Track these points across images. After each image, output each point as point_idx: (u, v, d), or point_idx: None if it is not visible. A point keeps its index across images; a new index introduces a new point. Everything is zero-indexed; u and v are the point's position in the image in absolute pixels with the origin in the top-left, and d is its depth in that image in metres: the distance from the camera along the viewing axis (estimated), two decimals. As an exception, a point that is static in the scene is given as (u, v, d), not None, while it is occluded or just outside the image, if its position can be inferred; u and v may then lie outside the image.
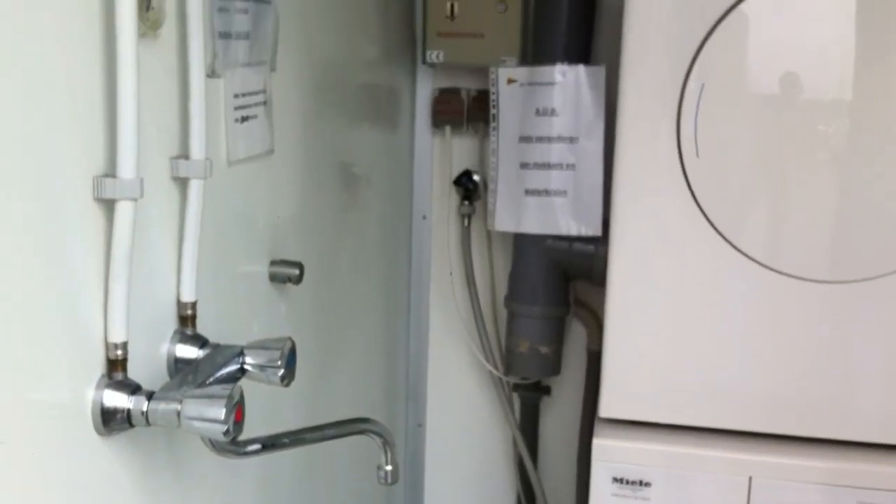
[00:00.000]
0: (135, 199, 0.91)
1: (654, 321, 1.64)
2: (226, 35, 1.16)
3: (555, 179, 1.92)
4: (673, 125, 1.54)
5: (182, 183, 1.07)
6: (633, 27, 1.53)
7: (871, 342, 1.58)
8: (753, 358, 1.61)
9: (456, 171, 2.17)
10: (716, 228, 1.57)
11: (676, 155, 1.55)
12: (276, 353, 1.06)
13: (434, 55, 2.04)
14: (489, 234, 2.19)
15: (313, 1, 1.52)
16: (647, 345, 1.65)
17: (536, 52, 1.98)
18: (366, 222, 1.93)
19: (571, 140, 1.91)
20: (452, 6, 2.02)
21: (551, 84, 1.91)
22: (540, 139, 1.92)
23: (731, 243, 1.57)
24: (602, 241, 1.85)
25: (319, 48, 1.57)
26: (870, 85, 1.51)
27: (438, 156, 2.20)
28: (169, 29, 1.02)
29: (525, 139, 1.93)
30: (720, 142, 1.54)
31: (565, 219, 1.93)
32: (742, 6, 1.48)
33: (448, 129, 2.16)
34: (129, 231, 0.91)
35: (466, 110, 2.15)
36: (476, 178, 2.18)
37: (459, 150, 2.17)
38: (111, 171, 0.91)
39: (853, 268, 1.56)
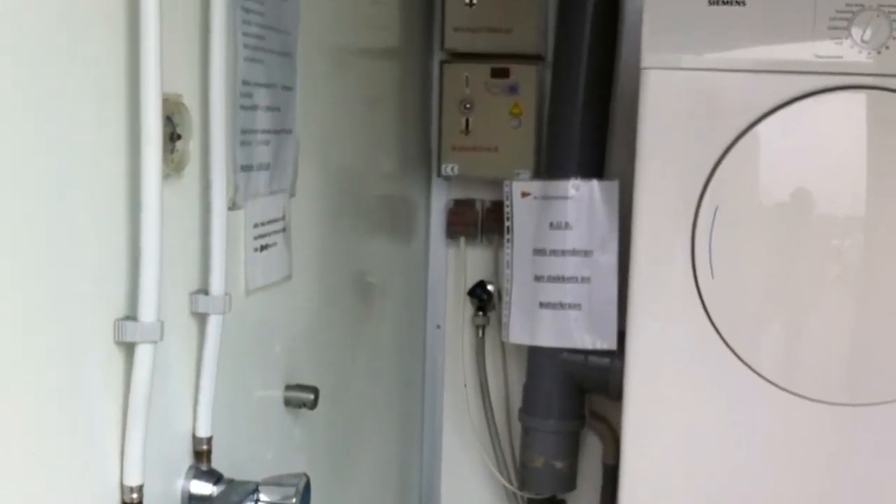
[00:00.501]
0: (155, 342, 0.91)
1: (671, 438, 1.62)
2: (247, 168, 1.18)
3: (569, 292, 1.93)
4: (687, 246, 1.55)
5: (201, 318, 1.07)
6: (646, 150, 1.55)
7: (890, 465, 1.55)
8: (770, 479, 1.59)
9: (470, 282, 2.18)
10: (731, 349, 1.56)
11: (691, 275, 1.56)
12: (291, 490, 1.05)
13: (449, 168, 2.07)
14: (503, 346, 2.18)
15: (333, 120, 1.56)
16: (664, 462, 1.63)
17: (550, 165, 2.01)
18: (381, 332, 1.93)
19: (586, 253, 1.92)
20: (467, 121, 2.05)
21: (565, 198, 1.92)
22: (554, 252, 1.93)
23: (747, 364, 1.56)
24: (618, 354, 1.84)
25: (338, 162, 1.60)
26: (883, 200, 1.52)
27: (453, 266, 2.21)
28: (192, 167, 1.04)
29: (539, 252, 1.94)
30: (735, 263, 1.55)
31: (580, 332, 1.92)
32: (756, 128, 1.51)
33: (462, 239, 2.17)
34: (149, 374, 0.91)
35: (481, 221, 2.16)
36: (490, 288, 2.19)
37: (474, 261, 2.18)
38: (132, 313, 0.92)
39: (871, 390, 1.55)
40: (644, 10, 1.51)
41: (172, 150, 0.98)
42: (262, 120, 1.22)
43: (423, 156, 2.14)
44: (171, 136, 0.97)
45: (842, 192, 1.55)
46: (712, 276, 1.55)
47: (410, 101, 2.04)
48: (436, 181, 2.17)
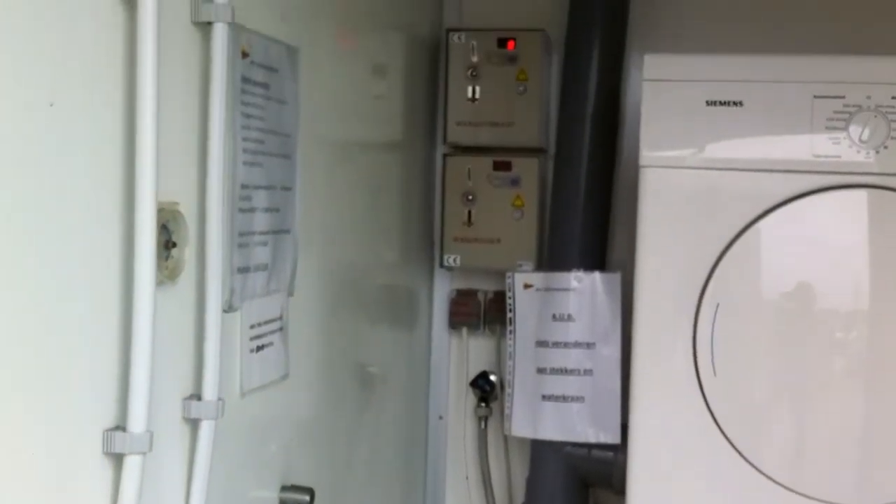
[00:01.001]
0: (144, 454, 0.90)
1: (676, 537, 1.59)
2: (244, 269, 1.18)
3: (572, 385, 1.91)
4: (689, 343, 1.54)
5: (194, 423, 1.06)
6: (645, 246, 1.55)
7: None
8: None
9: (473, 372, 2.15)
10: (735, 447, 1.54)
11: (693, 372, 1.54)
12: None
13: (451, 259, 2.07)
14: (506, 438, 2.14)
15: (334, 213, 1.56)
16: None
17: (552, 257, 2.00)
18: (381, 424, 1.91)
19: (588, 346, 1.91)
20: (469, 212, 2.05)
21: (567, 290, 1.92)
22: (557, 344, 1.92)
23: (751, 463, 1.54)
24: (621, 448, 1.81)
25: (339, 255, 1.60)
26: (887, 293, 1.51)
27: (455, 356, 2.19)
28: (188, 272, 1.04)
29: (542, 344, 1.93)
30: (737, 360, 1.53)
31: (583, 425, 1.90)
32: (756, 226, 1.51)
33: (465, 330, 2.16)
34: (137, 485, 0.90)
35: (483, 312, 2.15)
36: (493, 378, 2.16)
37: (476, 351, 2.16)
38: (122, 423, 0.91)
39: (882, 491, 1.51)
40: (642, 110, 1.52)
41: (167, 258, 0.98)
42: (261, 221, 1.22)
43: (426, 246, 2.14)
44: (167, 244, 0.97)
45: (844, 287, 1.54)
46: (714, 374, 1.53)
47: (413, 193, 2.05)
48: (438, 271, 2.16)
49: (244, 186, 1.17)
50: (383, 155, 1.89)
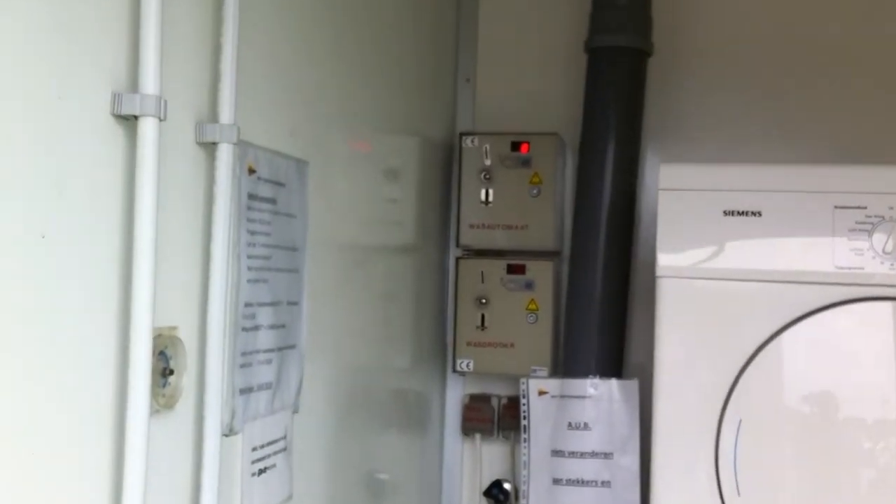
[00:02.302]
0: None
1: None
2: (247, 390, 1.14)
3: (589, 497, 1.84)
4: (711, 461, 1.47)
5: (188, 560, 1.01)
6: (664, 359, 1.50)
7: None
8: None
9: (486, 480, 2.09)
10: (763, 573, 1.46)
11: (717, 491, 1.48)
12: None
13: (464, 364, 2.02)
14: (521, 552, 2.06)
15: (344, 319, 1.53)
16: None
17: (567, 362, 1.96)
18: (392, 536, 1.84)
19: (606, 456, 1.85)
20: (483, 316, 2.02)
21: (583, 397, 1.87)
22: (573, 454, 1.86)
23: (780, 590, 1.46)
24: (642, 567, 1.73)
25: (349, 361, 1.56)
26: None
27: (468, 463, 2.13)
28: (186, 398, 1.00)
29: (558, 453, 1.87)
30: (762, 478, 1.47)
31: (602, 541, 1.83)
32: (778, 339, 1.46)
33: (478, 436, 2.10)
34: None
35: (497, 418, 2.09)
36: (507, 486, 2.09)
37: (490, 458, 2.10)
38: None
39: None
40: (658, 219, 1.49)
41: (164, 385, 0.94)
42: (265, 339, 1.19)
43: (438, 351, 2.10)
44: (164, 372, 0.93)
45: (871, 397, 1.49)
46: (738, 493, 1.46)
47: (426, 297, 2.02)
48: (451, 376, 2.12)
49: (248, 304, 1.13)
50: (395, 258, 1.87)
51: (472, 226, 2.01)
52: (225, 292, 1.03)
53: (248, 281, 1.14)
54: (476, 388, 2.13)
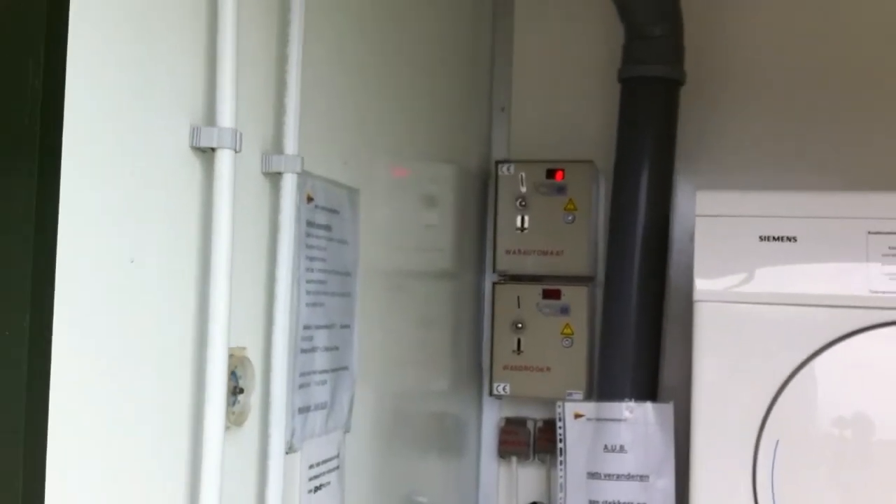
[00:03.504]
0: None
1: None
2: (305, 409, 1.19)
3: (626, 521, 1.87)
4: (749, 482, 1.50)
5: (254, 568, 1.05)
6: (701, 383, 1.54)
7: None
8: None
9: (522, 502, 2.12)
10: (802, 593, 1.48)
11: (755, 512, 1.50)
12: None
13: (500, 388, 2.05)
14: (557, 573, 2.08)
15: (388, 345, 1.56)
16: None
17: (603, 386, 1.98)
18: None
19: (642, 478, 1.87)
20: (519, 340, 2.04)
21: (619, 420, 1.90)
22: (609, 476, 1.89)
23: None
24: (678, 588, 1.75)
25: (392, 386, 1.59)
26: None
27: (504, 486, 2.15)
28: (252, 416, 1.05)
29: (594, 475, 1.90)
30: (800, 501, 1.49)
31: (639, 562, 1.85)
32: (813, 362, 1.49)
33: (514, 459, 2.13)
34: None
35: (533, 441, 2.12)
36: (543, 509, 2.12)
37: (526, 481, 2.13)
38: (187, 573, 0.91)
39: None
40: (695, 245, 1.53)
41: (234, 403, 0.99)
42: (321, 360, 1.24)
43: (475, 375, 2.13)
44: (234, 391, 0.98)
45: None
46: (777, 514, 1.49)
47: (462, 321, 2.05)
48: (487, 400, 2.14)
49: (306, 327, 1.18)
50: (434, 284, 1.90)
51: (508, 251, 2.04)
52: (288, 315, 1.08)
53: (307, 305, 1.18)
54: (512, 412, 2.16)
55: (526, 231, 2.03)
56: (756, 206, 1.52)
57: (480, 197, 2.12)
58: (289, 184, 1.10)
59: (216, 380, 0.90)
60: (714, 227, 1.53)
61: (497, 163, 2.07)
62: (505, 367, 2.04)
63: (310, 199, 1.21)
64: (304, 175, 1.16)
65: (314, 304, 1.21)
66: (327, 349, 1.26)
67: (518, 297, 2.04)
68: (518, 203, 2.03)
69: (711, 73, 2.07)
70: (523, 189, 2.04)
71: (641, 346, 1.96)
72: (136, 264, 0.85)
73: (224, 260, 0.91)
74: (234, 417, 0.99)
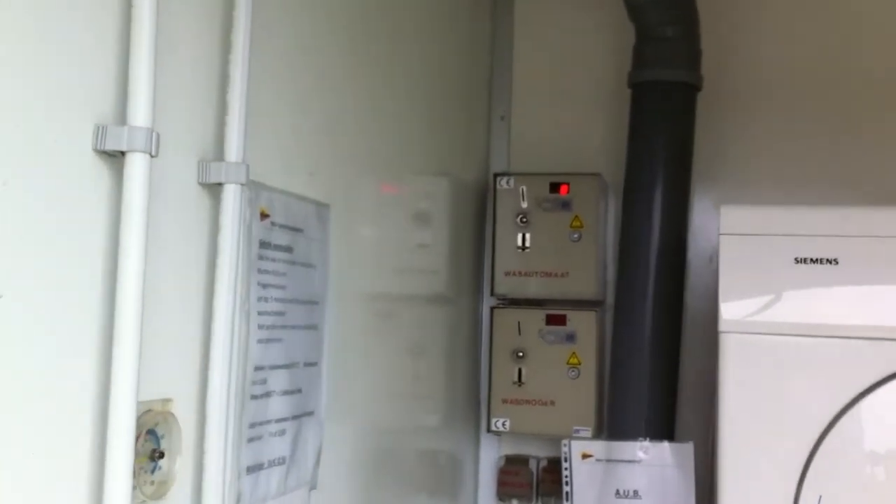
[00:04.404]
0: None
1: None
2: (256, 468, 0.99)
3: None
4: (786, 544, 1.30)
5: None
6: (729, 429, 1.34)
7: None
8: None
9: (524, 551, 1.92)
10: None
11: (792, 576, 1.29)
12: None
13: (499, 423, 1.87)
14: None
15: (370, 376, 1.41)
16: None
17: (614, 423, 1.81)
18: None
19: (658, 527, 1.68)
20: (520, 371, 1.87)
21: (633, 462, 1.72)
22: (621, 526, 1.69)
23: None
24: None
25: (373, 422, 1.45)
26: None
27: (505, 533, 1.96)
28: (181, 484, 0.85)
29: (604, 524, 1.71)
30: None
31: None
32: (859, 405, 1.29)
33: (515, 502, 1.95)
34: None
35: (536, 482, 1.94)
36: (547, 558, 1.92)
37: (528, 527, 1.94)
38: None
39: None
40: (720, 268, 1.34)
41: (154, 471, 0.79)
42: (278, 407, 1.04)
43: (471, 409, 1.96)
44: (153, 455, 0.79)
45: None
46: (818, 580, 1.28)
47: (457, 350, 1.89)
48: (485, 436, 1.97)
49: (258, 368, 0.99)
50: (425, 309, 1.75)
51: (507, 273, 1.88)
52: (230, 356, 0.89)
53: (259, 341, 0.99)
54: (513, 449, 1.99)
55: (527, 250, 1.87)
56: (791, 223, 1.32)
57: (478, 213, 1.97)
58: (231, 197, 0.91)
59: (120, 445, 0.71)
60: (741, 248, 1.33)
61: (496, 175, 1.91)
62: (504, 401, 1.87)
63: (264, 216, 1.02)
64: (255, 187, 0.97)
65: (269, 341, 1.01)
66: (287, 393, 1.06)
67: (519, 324, 1.87)
68: (519, 220, 1.87)
69: (730, 81, 1.92)
70: (524, 204, 1.88)
71: (656, 378, 1.78)
72: (14, 295, 0.65)
73: (132, 288, 0.72)
74: (153, 489, 0.80)
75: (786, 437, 1.29)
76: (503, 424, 1.87)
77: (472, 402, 1.96)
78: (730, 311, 1.32)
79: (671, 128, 1.83)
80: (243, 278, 0.96)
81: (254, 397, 0.98)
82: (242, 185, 0.91)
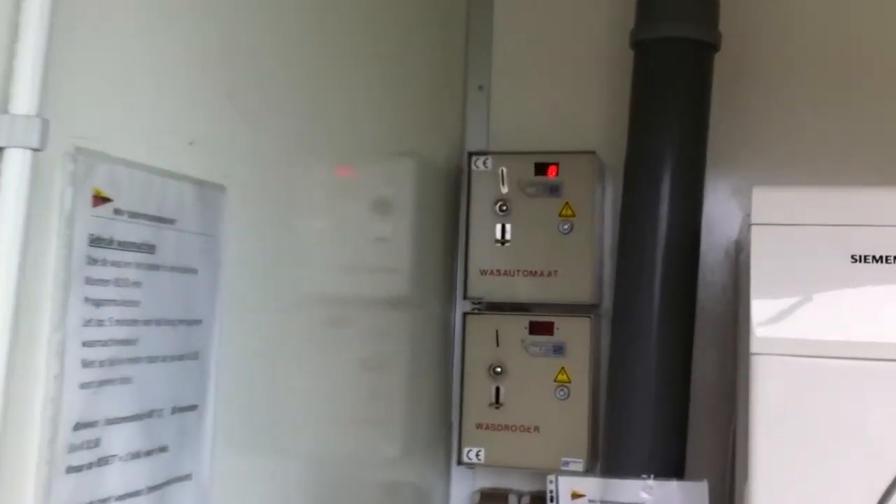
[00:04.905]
0: None
1: None
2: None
3: None
4: None
5: None
6: (765, 479, 1.03)
7: None
8: None
9: None
10: None
11: None
12: None
13: (473, 454, 1.62)
14: None
15: (314, 397, 1.22)
16: None
17: (610, 455, 1.56)
18: None
19: (665, 585, 1.43)
20: (498, 390, 1.62)
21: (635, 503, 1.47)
22: (620, 581, 1.46)
23: None
24: None
25: (318, 456, 1.26)
26: None
27: (481, 583, 1.71)
28: None
29: (599, 580, 1.48)
30: None
31: None
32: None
33: (494, 547, 1.67)
34: None
35: (517, 524, 1.69)
36: None
37: (510, 576, 1.70)
38: None
39: None
40: (751, 271, 1.02)
41: None
42: (122, 478, 0.72)
43: (440, 435, 1.71)
44: None
45: None
46: None
47: (424, 364, 1.65)
48: (456, 467, 1.71)
49: (83, 426, 0.67)
50: (384, 315, 1.52)
51: (483, 272, 1.64)
52: (22, 412, 0.57)
53: (84, 386, 0.67)
54: (490, 482, 1.74)
55: (507, 245, 1.63)
56: (847, 209, 1.00)
57: (450, 201, 1.73)
58: (17, 168, 0.58)
59: None
60: (779, 243, 1.02)
61: (470, 155, 1.67)
62: (479, 426, 1.62)
63: (101, 200, 0.70)
64: (86, 158, 0.66)
65: (103, 383, 0.70)
66: (139, 455, 0.74)
67: (497, 333, 1.63)
68: (497, 208, 1.64)
69: (755, 39, 1.66)
70: (504, 189, 1.64)
71: (663, 400, 1.52)
72: None
73: None
74: None
75: (840, 488, 0.98)
76: (477, 455, 1.63)
77: (442, 427, 1.72)
78: (765, 327, 1.00)
79: (683, 96, 1.57)
80: (57, 292, 0.64)
81: (74, 470, 0.66)
82: (34, 150, 0.59)
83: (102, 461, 0.70)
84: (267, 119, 1.04)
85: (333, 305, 1.31)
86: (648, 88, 1.56)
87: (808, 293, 1.00)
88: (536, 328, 1.60)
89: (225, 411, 0.88)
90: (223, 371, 0.87)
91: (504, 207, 1.61)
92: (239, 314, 0.94)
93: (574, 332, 1.59)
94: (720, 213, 1.63)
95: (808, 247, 1.01)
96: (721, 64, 1.58)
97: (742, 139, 1.63)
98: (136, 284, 0.74)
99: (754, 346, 1.01)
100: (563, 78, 1.75)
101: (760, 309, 1.01)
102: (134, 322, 0.74)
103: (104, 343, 0.70)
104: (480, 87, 1.78)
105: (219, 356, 0.86)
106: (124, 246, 0.73)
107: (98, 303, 0.69)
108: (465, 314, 1.66)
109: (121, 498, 0.72)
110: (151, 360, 0.76)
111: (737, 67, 1.63)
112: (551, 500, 1.51)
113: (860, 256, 0.99)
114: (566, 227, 1.60)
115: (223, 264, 0.88)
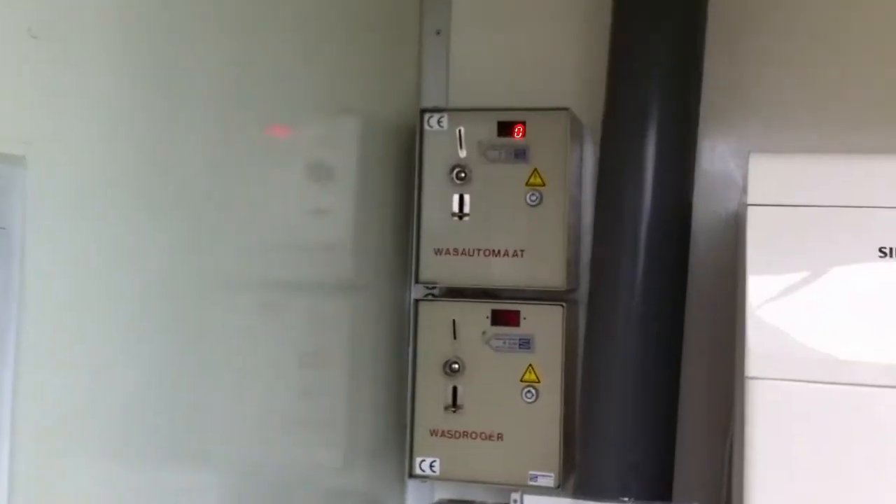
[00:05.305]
0: None
1: None
2: None
3: None
4: None
5: None
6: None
7: None
8: None
9: None
10: None
11: None
12: None
13: (425, 465, 1.46)
14: None
15: (239, 396, 1.12)
16: None
17: (585, 469, 1.43)
18: None
19: None
20: (455, 391, 1.46)
21: (616, 533, 1.42)
22: None
23: None
24: None
25: (245, 461, 1.17)
26: None
27: None
28: None
29: None
30: None
31: None
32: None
33: (454, 572, 1.60)
34: None
35: (482, 545, 1.59)
36: None
37: None
38: None
39: None
40: (747, 265, 0.80)
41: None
42: None
43: (394, 439, 1.56)
44: None
45: None
46: None
47: (369, 360, 1.51)
48: (409, 482, 1.57)
49: None
50: (325, 301, 1.43)
51: (438, 251, 1.50)
52: None
53: None
54: (450, 493, 1.60)
55: (466, 219, 1.49)
56: (871, 187, 0.78)
57: (403, 165, 1.57)
58: None
59: None
60: (783, 230, 0.80)
61: (423, 112, 1.52)
62: (433, 433, 1.49)
63: None
64: None
65: None
66: None
67: (454, 323, 1.49)
68: (454, 175, 1.50)
69: None
70: (463, 153, 1.50)
71: (647, 405, 1.41)
72: None
73: None
74: None
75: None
76: (431, 467, 1.50)
77: (395, 431, 1.56)
78: (763, 344, 0.78)
79: (671, 45, 1.44)
80: None
81: None
82: None
83: None
84: (134, 68, 0.87)
85: (262, 290, 1.21)
86: (631, 35, 1.43)
87: (818, 296, 0.78)
88: (500, 318, 1.47)
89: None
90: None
91: (462, 175, 1.47)
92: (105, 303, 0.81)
93: (544, 323, 1.45)
94: (715, 182, 1.49)
95: (818, 231, 0.79)
96: (716, 9, 1.44)
97: (741, 93, 1.51)
98: None
99: (749, 369, 0.80)
100: (532, 21, 1.65)
101: (757, 321, 0.79)
102: None
103: None
104: (438, 32, 1.66)
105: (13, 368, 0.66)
106: None
107: None
108: (416, 301, 1.51)
109: None
110: None
111: (735, 15, 1.50)
112: (517, 521, 1.38)
113: (890, 250, 0.76)
114: (535, 198, 1.47)
115: (27, 257, 0.68)
